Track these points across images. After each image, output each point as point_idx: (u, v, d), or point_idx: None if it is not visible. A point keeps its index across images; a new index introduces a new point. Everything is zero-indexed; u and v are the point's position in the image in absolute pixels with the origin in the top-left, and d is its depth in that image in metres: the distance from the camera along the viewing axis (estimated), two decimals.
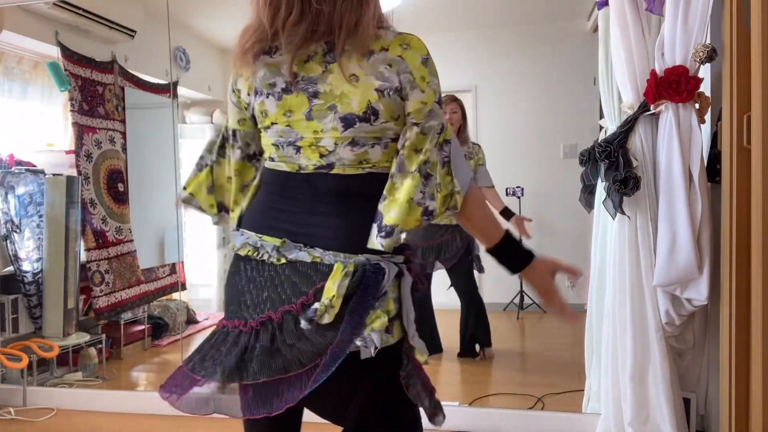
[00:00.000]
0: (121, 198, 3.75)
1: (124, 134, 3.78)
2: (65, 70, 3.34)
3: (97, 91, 3.58)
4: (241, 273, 1.18)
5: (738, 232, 1.97)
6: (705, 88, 2.12)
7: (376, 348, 1.08)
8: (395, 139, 1.15)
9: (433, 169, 1.12)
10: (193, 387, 1.16)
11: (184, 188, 1.35)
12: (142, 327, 3.84)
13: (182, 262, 4.24)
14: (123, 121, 3.76)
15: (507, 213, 3.49)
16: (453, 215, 1.18)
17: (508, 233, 1.22)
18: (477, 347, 3.55)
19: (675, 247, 2.06)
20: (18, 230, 3.20)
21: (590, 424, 2.37)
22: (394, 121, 1.13)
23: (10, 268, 3.18)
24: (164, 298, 4.09)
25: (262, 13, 1.13)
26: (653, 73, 2.07)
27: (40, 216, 3.23)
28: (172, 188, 3.75)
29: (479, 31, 4.30)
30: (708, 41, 2.03)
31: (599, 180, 2.28)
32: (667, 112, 2.07)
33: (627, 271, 2.17)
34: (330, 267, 1.10)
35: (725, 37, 2.01)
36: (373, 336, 1.08)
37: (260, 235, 1.17)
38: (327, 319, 1.07)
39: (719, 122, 2.11)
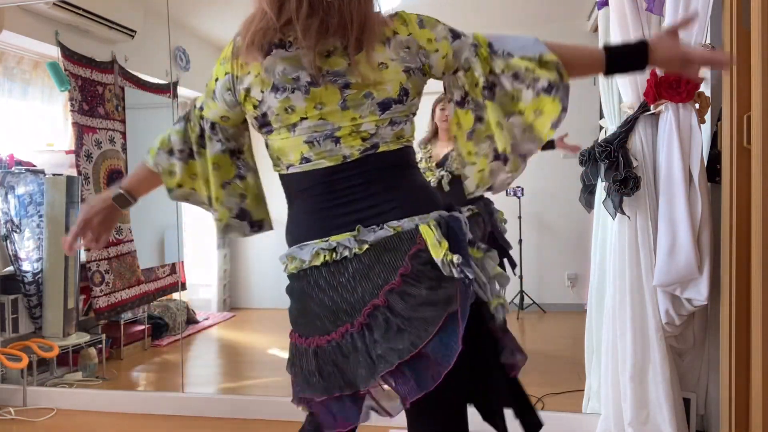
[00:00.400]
0: None
1: (124, 134, 3.79)
2: (65, 70, 3.34)
3: (97, 91, 3.58)
4: (323, 284, 1.14)
5: (738, 232, 1.97)
6: (705, 88, 2.12)
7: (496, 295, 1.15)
8: (415, 114, 1.22)
9: (494, 84, 1.19)
10: (347, 405, 1.13)
11: (179, 185, 1.37)
12: (142, 327, 3.84)
13: (182, 262, 4.24)
14: (123, 121, 3.76)
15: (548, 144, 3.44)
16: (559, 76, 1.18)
17: (605, 47, 1.22)
18: None
19: (675, 247, 2.06)
20: (18, 230, 3.20)
21: (590, 424, 2.37)
22: (418, 96, 1.21)
23: (10, 268, 3.19)
24: (164, 298, 4.09)
25: (268, 4, 1.12)
26: (653, 73, 2.07)
27: (40, 216, 3.23)
28: None
29: (479, 31, 4.29)
30: (708, 41, 2.03)
31: (599, 180, 2.28)
32: (667, 112, 2.07)
33: (627, 271, 2.17)
34: (411, 233, 1.12)
35: (725, 37, 2.01)
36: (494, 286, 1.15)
37: (326, 239, 1.15)
38: (455, 272, 1.08)
39: (719, 122, 2.11)
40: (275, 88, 1.14)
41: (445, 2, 4.24)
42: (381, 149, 1.16)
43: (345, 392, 1.11)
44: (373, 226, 1.13)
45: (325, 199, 1.17)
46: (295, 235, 1.21)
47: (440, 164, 3.41)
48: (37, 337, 3.16)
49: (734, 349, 2.00)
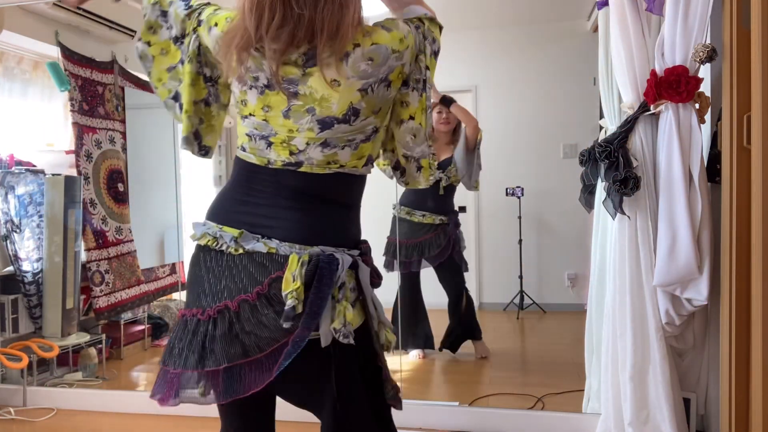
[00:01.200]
0: (121, 198, 3.75)
1: (124, 134, 3.79)
2: (65, 70, 3.34)
3: (97, 91, 3.58)
4: (200, 263, 1.21)
5: (738, 232, 1.97)
6: (705, 88, 2.12)
7: (332, 339, 1.16)
8: (369, 138, 1.20)
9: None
10: (174, 381, 1.19)
11: (148, 44, 1.36)
12: (142, 327, 3.84)
13: (182, 262, 4.24)
14: (123, 121, 3.76)
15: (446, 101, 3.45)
16: None
17: None
18: (470, 345, 3.53)
19: (675, 247, 2.06)
20: (18, 230, 3.20)
21: (590, 424, 2.37)
22: (374, 115, 1.18)
23: (10, 268, 3.19)
24: (164, 298, 4.09)
25: (248, 20, 1.13)
26: (653, 73, 2.07)
27: (40, 216, 3.22)
28: (172, 188, 3.76)
29: (479, 31, 4.30)
30: (708, 41, 2.03)
31: (599, 180, 2.28)
32: (667, 112, 2.07)
33: (627, 271, 2.17)
34: (285, 258, 1.14)
35: (725, 37, 2.01)
36: (333, 327, 1.15)
37: (221, 226, 1.20)
38: (299, 309, 1.12)
39: (719, 122, 2.11)
40: (240, 80, 1.18)
41: (445, 2, 4.24)
42: (302, 169, 1.18)
43: (183, 368, 1.17)
44: (258, 236, 1.17)
45: (240, 191, 1.23)
46: (210, 210, 1.27)
47: (441, 166, 3.42)
48: (37, 337, 3.16)
49: (734, 349, 2.00)
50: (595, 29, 2.46)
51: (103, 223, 3.56)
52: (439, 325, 3.87)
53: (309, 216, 1.19)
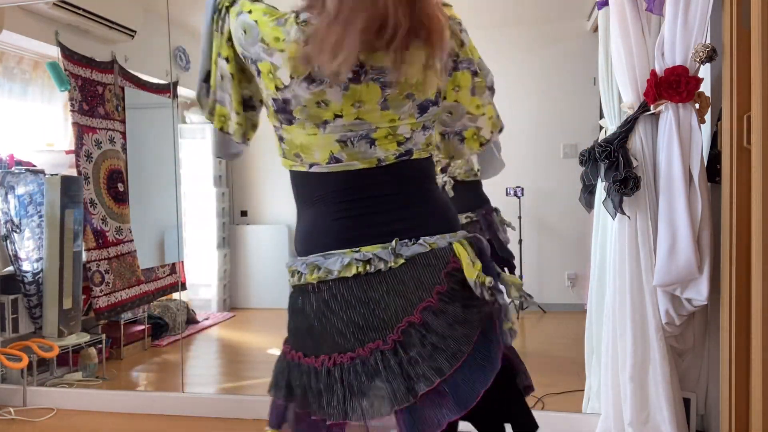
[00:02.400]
0: (121, 198, 3.75)
1: (124, 134, 3.79)
2: (65, 70, 3.34)
3: (97, 91, 3.58)
4: (346, 297, 1.07)
5: (738, 232, 1.97)
6: (705, 88, 2.12)
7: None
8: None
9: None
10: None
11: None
12: (142, 327, 3.84)
13: (182, 262, 4.24)
14: (123, 121, 3.77)
15: None
16: None
17: None
18: None
19: (675, 247, 2.06)
20: (18, 230, 3.20)
21: (590, 424, 2.37)
22: (444, 98, 1.18)
23: (10, 268, 3.19)
24: (164, 298, 4.09)
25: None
26: (653, 73, 2.07)
27: (40, 216, 3.22)
28: (172, 188, 3.76)
29: (479, 31, 4.29)
30: (708, 41, 2.03)
31: (599, 180, 2.28)
32: (667, 112, 2.07)
33: (627, 271, 2.17)
34: (446, 250, 1.09)
35: (725, 37, 2.01)
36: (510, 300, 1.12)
37: (357, 249, 1.08)
38: (486, 294, 1.06)
39: (719, 122, 2.11)
40: (310, 79, 1.04)
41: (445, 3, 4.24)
42: (414, 156, 1.12)
43: (358, 420, 1.04)
44: (406, 240, 1.08)
45: (356, 205, 1.10)
46: (317, 242, 1.11)
47: (444, 170, 3.40)
48: (37, 337, 3.16)
49: (734, 349, 2.00)
50: (595, 29, 2.45)
51: (103, 223, 3.56)
52: None
53: (436, 204, 1.15)
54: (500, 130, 1.27)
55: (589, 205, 2.42)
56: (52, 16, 3.31)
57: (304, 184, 1.15)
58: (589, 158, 2.24)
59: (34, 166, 3.37)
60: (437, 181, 1.19)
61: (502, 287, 1.10)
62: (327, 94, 1.05)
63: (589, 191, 2.39)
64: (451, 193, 3.34)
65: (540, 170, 4.15)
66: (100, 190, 3.58)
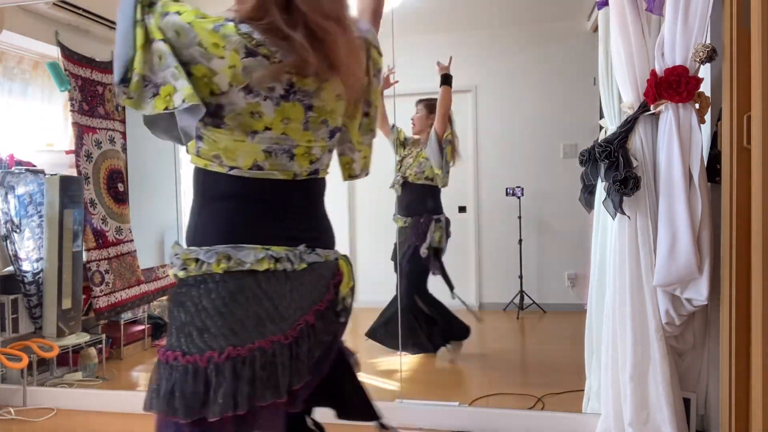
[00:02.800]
0: (121, 198, 3.75)
1: (124, 134, 3.79)
2: (65, 70, 3.34)
3: (97, 91, 3.58)
4: (257, 289, 1.13)
5: (738, 232, 1.97)
6: (705, 88, 2.12)
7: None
8: None
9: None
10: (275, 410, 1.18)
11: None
12: (142, 327, 3.84)
13: None
14: (123, 121, 3.76)
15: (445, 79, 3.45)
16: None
17: None
18: (470, 346, 3.52)
19: (675, 247, 2.06)
20: (18, 230, 3.20)
21: (590, 424, 2.37)
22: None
23: (10, 268, 3.18)
24: (164, 298, 4.09)
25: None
26: (653, 73, 2.07)
27: (40, 216, 3.22)
28: (172, 188, 3.76)
29: (479, 31, 4.30)
30: (708, 41, 2.03)
31: (599, 180, 2.28)
32: (667, 112, 2.07)
33: (627, 271, 2.17)
34: (333, 263, 1.26)
35: (725, 37, 2.01)
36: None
37: (266, 247, 1.14)
38: (343, 310, 1.29)
39: (719, 122, 2.11)
40: (248, 89, 1.09)
41: (445, 2, 4.24)
42: (320, 174, 1.26)
43: (271, 400, 1.13)
44: (308, 249, 1.20)
45: (270, 209, 1.18)
46: (228, 235, 1.14)
47: (399, 169, 3.46)
48: (37, 337, 3.16)
49: (734, 349, 2.00)
50: (595, 29, 2.45)
51: (103, 223, 3.56)
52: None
53: (327, 222, 1.30)
54: (366, 174, 1.38)
55: (589, 205, 2.42)
56: (52, 16, 3.31)
57: (218, 183, 1.17)
58: (589, 158, 2.24)
59: (34, 166, 3.37)
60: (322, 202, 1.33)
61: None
62: (261, 107, 1.11)
63: (589, 191, 2.39)
64: (399, 192, 3.39)
65: (540, 170, 4.15)
66: (100, 190, 3.58)
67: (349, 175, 1.36)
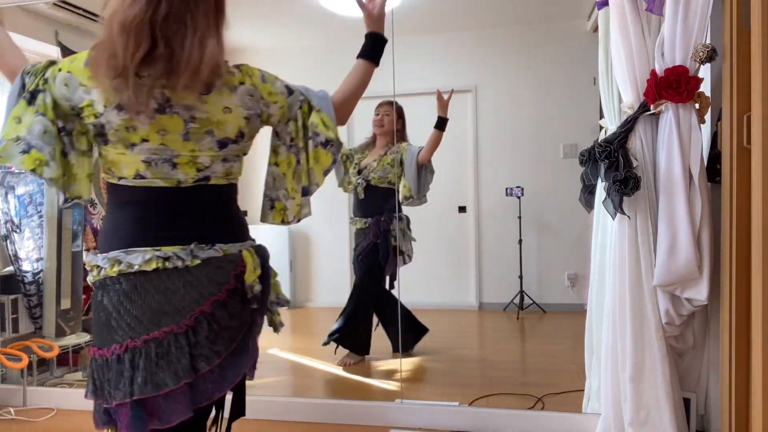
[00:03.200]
0: None
1: None
2: None
3: None
4: (146, 288, 1.25)
5: (738, 232, 1.97)
6: (705, 88, 2.12)
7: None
8: (244, 155, 1.41)
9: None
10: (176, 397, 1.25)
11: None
12: None
13: None
14: None
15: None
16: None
17: (360, 55, 1.57)
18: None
19: (675, 247, 2.06)
20: (18, 230, 3.20)
21: (590, 424, 2.37)
22: (251, 140, 1.40)
23: (10, 268, 3.18)
24: None
25: (117, 43, 1.20)
26: (653, 73, 2.07)
27: (40, 216, 3.22)
28: None
29: (479, 31, 4.30)
30: (708, 41, 2.03)
31: (599, 180, 2.28)
32: (667, 112, 2.07)
33: (627, 271, 2.17)
34: (235, 255, 1.33)
35: (725, 37, 2.01)
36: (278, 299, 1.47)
37: (158, 248, 1.26)
38: (258, 291, 1.35)
39: (719, 122, 2.11)
40: (119, 107, 1.22)
41: (445, 2, 4.24)
42: (212, 182, 1.33)
43: (153, 393, 1.22)
44: (203, 245, 1.29)
45: (158, 214, 1.29)
46: (121, 241, 1.28)
47: (361, 171, 3.44)
48: (37, 337, 3.16)
49: (734, 349, 2.00)
50: (595, 29, 2.46)
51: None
52: (438, 325, 3.86)
53: (231, 219, 1.37)
54: (297, 221, 1.48)
55: (589, 205, 2.42)
56: (52, 16, 3.31)
57: (113, 192, 1.33)
58: (589, 158, 2.24)
59: None
60: (236, 204, 1.41)
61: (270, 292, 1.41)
62: (135, 121, 1.23)
63: (589, 191, 2.39)
64: (362, 195, 3.45)
65: (540, 170, 4.15)
66: (100, 190, 3.58)
67: (282, 220, 1.47)
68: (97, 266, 1.29)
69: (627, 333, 2.17)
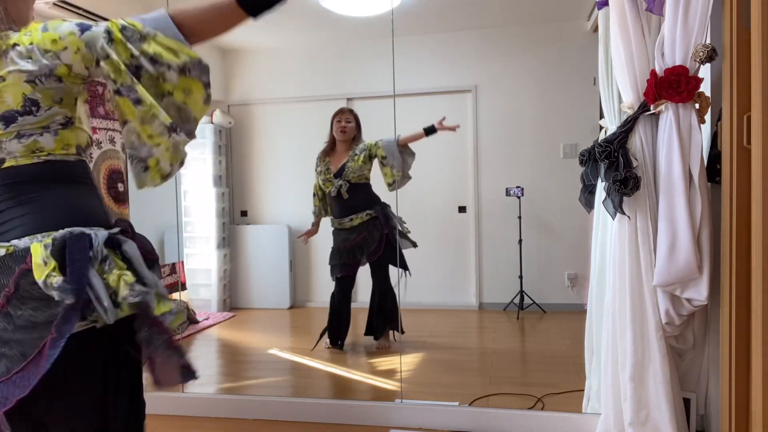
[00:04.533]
0: (121, 198, 3.75)
1: None
2: None
3: (97, 91, 3.58)
4: None
5: (738, 232, 1.97)
6: (705, 88, 2.12)
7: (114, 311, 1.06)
8: (66, 124, 1.17)
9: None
10: None
11: None
12: None
13: (182, 262, 4.24)
14: None
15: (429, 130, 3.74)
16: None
17: None
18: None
19: (675, 247, 2.06)
20: None
21: (590, 424, 2.37)
22: (58, 105, 1.14)
23: None
24: None
25: None
26: (653, 73, 2.07)
27: None
28: (172, 188, 3.76)
29: (479, 31, 4.30)
30: (708, 41, 2.03)
31: (599, 180, 2.28)
32: (667, 112, 2.07)
33: (627, 271, 2.17)
34: (25, 251, 1.06)
35: (725, 37, 2.01)
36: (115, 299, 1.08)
37: None
38: (55, 294, 1.03)
39: (719, 122, 2.11)
40: None
41: (445, 2, 4.24)
42: (7, 164, 1.12)
43: None
44: None
45: None
46: None
47: (338, 174, 3.73)
48: None
49: (734, 349, 2.00)
50: (595, 29, 2.46)
51: None
52: (438, 323, 3.86)
53: (40, 206, 1.12)
54: (181, 164, 1.21)
55: (589, 205, 2.43)
56: (52, 16, 3.31)
57: None
58: (589, 158, 2.25)
59: None
60: (65, 185, 1.18)
61: (95, 285, 1.06)
62: None
63: (589, 191, 2.39)
64: (347, 195, 3.69)
65: (540, 170, 4.15)
66: (100, 190, 3.58)
67: (162, 176, 1.21)
68: None
69: (627, 333, 2.17)
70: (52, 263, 1.04)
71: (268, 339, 4.21)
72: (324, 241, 3.90)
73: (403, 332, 3.76)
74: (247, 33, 4.14)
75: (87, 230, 1.10)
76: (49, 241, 1.06)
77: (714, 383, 2.22)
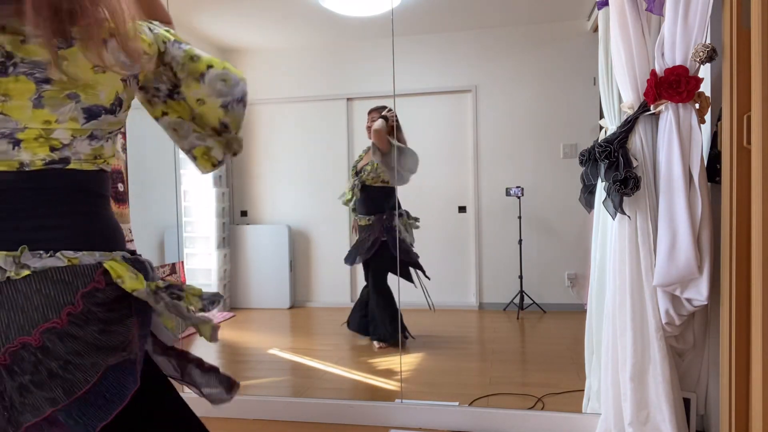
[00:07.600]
0: (121, 198, 3.75)
1: (124, 134, 3.78)
2: None
3: None
4: None
5: (738, 232, 1.97)
6: (705, 88, 2.12)
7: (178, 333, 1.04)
8: (118, 133, 1.07)
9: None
10: None
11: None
12: None
13: (182, 262, 4.25)
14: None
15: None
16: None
17: None
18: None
19: (675, 247, 2.07)
20: None
21: (590, 424, 2.37)
22: (126, 111, 1.06)
23: None
24: None
25: None
26: (653, 73, 2.07)
27: None
28: (172, 188, 3.76)
29: (479, 31, 4.30)
30: (708, 41, 2.03)
31: (599, 180, 2.28)
32: (667, 112, 2.07)
33: (627, 271, 2.17)
34: (90, 268, 0.96)
35: (725, 37, 2.01)
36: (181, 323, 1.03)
37: None
38: (165, 298, 0.99)
39: (719, 122, 2.11)
40: None
41: (445, 2, 4.24)
42: (72, 166, 0.98)
43: None
44: (41, 252, 0.93)
45: None
46: None
47: (358, 172, 3.83)
48: None
49: (734, 349, 2.00)
50: (595, 29, 2.46)
51: None
52: (439, 323, 3.86)
53: (95, 222, 1.02)
54: (234, 154, 1.15)
55: (589, 205, 2.43)
56: None
57: None
58: (589, 158, 2.25)
59: None
60: (108, 202, 1.08)
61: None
62: None
63: (589, 191, 2.40)
64: (359, 195, 3.80)
65: (540, 170, 4.15)
66: None
67: (213, 164, 1.15)
68: None
69: (627, 333, 2.17)
70: (141, 276, 0.98)
71: (268, 339, 4.21)
72: (324, 241, 3.91)
73: (413, 337, 3.77)
74: (248, 33, 4.15)
75: (140, 257, 1.04)
76: (120, 259, 0.99)
77: (714, 383, 2.22)
